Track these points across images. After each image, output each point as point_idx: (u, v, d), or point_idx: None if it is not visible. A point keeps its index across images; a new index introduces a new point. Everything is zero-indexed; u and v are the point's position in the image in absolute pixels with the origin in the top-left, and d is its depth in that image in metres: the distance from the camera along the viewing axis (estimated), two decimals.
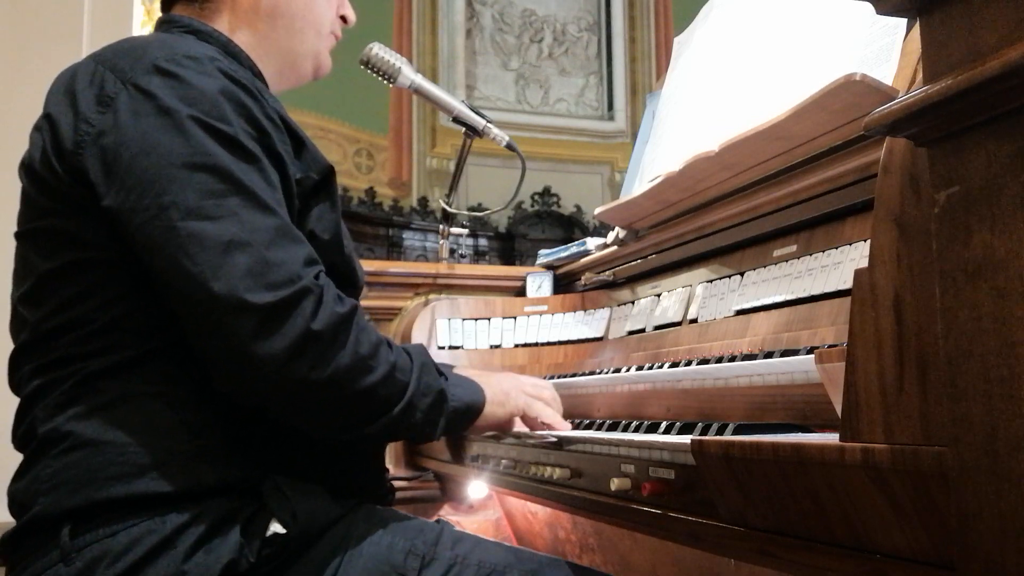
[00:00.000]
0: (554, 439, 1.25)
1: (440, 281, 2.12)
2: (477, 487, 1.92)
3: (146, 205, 0.97)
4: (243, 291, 0.94)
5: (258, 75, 1.23)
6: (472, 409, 1.23)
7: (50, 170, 1.04)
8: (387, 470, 1.28)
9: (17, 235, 1.12)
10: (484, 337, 1.97)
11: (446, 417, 1.17)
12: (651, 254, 1.72)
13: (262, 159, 1.04)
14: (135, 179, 0.98)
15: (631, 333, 1.72)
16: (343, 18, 1.38)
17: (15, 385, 1.11)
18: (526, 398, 1.33)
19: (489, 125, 2.13)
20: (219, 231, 0.96)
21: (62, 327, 1.04)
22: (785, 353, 1.04)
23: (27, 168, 1.09)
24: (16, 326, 1.11)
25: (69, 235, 1.04)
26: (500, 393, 1.29)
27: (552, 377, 1.66)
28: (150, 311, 1.03)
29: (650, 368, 1.35)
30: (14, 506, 1.04)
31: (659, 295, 1.66)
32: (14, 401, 1.10)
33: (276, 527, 1.00)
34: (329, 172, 1.17)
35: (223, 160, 0.99)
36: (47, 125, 1.06)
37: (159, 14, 1.27)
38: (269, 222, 1.00)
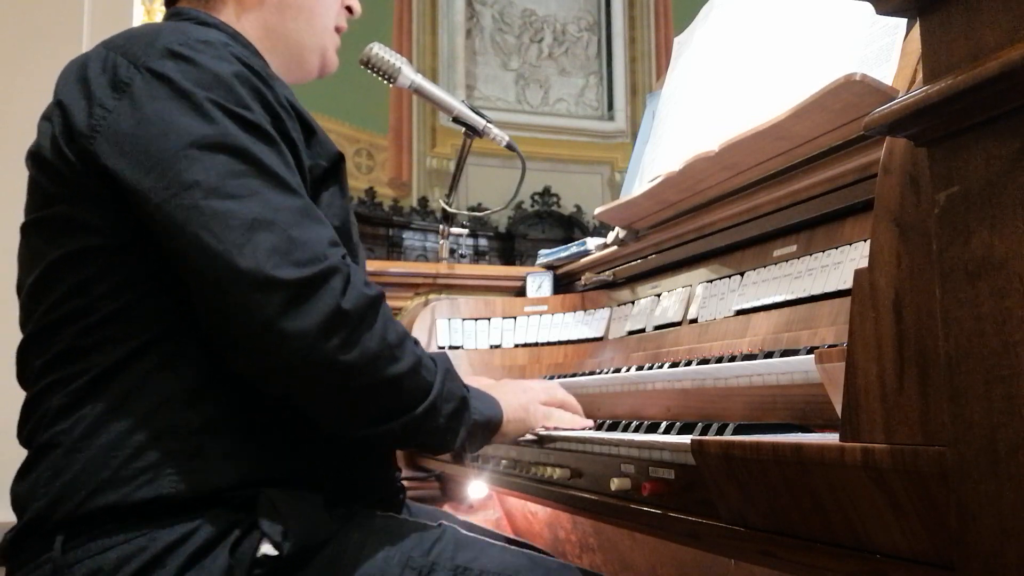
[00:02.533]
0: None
1: (440, 281, 2.12)
2: (477, 487, 1.92)
3: (166, 184, 0.96)
4: (270, 267, 0.93)
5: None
6: (491, 424, 1.20)
7: (60, 156, 1.03)
8: (399, 469, 1.26)
9: (23, 227, 1.10)
10: (484, 337, 1.96)
11: (467, 428, 1.13)
12: (651, 254, 1.72)
13: (280, 142, 1.03)
14: (154, 160, 0.97)
15: (631, 333, 1.71)
16: (348, 9, 1.37)
17: (24, 379, 1.09)
18: (544, 409, 1.30)
19: (489, 125, 2.13)
20: (243, 209, 0.95)
21: (67, 317, 1.03)
22: (785, 353, 1.04)
23: (35, 156, 1.08)
24: (24, 319, 1.10)
25: (77, 221, 1.03)
26: (519, 409, 1.26)
27: (552, 377, 1.66)
28: (160, 298, 1.02)
29: (650, 368, 1.35)
30: (16, 506, 1.04)
31: (659, 295, 1.66)
32: (19, 396, 1.09)
33: (267, 548, 0.97)
34: (338, 159, 1.16)
35: (243, 141, 0.98)
36: (59, 112, 1.05)
37: (159, 13, 1.27)
38: (292, 202, 0.98)
